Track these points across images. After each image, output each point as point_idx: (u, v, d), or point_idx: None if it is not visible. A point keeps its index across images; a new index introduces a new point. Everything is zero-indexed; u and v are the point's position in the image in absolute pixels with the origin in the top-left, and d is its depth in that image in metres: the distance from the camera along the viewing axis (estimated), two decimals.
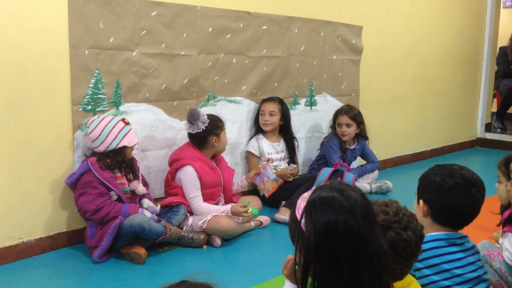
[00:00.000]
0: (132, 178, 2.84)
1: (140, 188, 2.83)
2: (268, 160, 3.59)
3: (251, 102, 3.67)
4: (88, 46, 2.76)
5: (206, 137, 3.05)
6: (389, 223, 1.38)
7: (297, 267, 1.22)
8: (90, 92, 2.80)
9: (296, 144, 3.84)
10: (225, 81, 3.47)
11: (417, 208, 1.82)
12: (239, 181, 3.33)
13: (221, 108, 3.44)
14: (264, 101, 3.69)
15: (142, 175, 2.91)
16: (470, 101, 6.14)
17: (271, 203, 3.50)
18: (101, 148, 2.67)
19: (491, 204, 2.27)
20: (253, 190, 3.69)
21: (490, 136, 6.25)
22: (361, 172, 4.05)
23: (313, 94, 4.11)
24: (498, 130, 6.40)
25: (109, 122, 2.68)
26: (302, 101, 4.04)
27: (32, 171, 2.66)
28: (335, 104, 4.23)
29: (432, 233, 1.76)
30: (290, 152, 3.79)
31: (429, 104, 5.43)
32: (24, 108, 2.59)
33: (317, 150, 4.08)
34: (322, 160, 3.96)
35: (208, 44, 3.31)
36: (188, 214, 2.97)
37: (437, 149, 5.63)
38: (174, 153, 3.12)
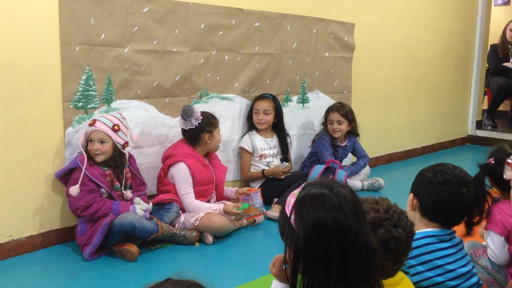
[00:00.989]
0: (122, 177, 2.82)
1: (128, 194, 2.82)
2: (260, 155, 3.60)
3: (244, 99, 3.66)
4: (79, 43, 2.74)
5: (198, 133, 3.05)
6: (379, 220, 1.39)
7: (285, 265, 1.22)
8: (81, 89, 2.79)
9: (289, 140, 3.85)
10: (218, 78, 3.46)
11: (409, 202, 1.86)
12: (229, 191, 3.29)
13: (213, 105, 3.44)
14: (257, 99, 3.68)
15: (140, 175, 2.91)
16: (461, 99, 6.18)
17: (263, 200, 3.49)
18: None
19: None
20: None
21: (481, 133, 6.29)
22: (355, 170, 4.05)
23: (305, 91, 4.11)
24: (489, 127, 6.44)
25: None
26: (294, 98, 4.04)
27: (23, 168, 2.64)
28: (327, 101, 4.24)
29: (422, 229, 1.78)
30: (283, 148, 3.79)
31: (420, 102, 5.45)
32: (14, 105, 2.57)
33: (309, 147, 4.09)
34: (314, 157, 3.97)
35: (200, 41, 3.30)
36: (180, 212, 2.97)
37: (428, 146, 5.66)
38: (167, 149, 3.11)
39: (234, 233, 3.04)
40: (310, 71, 4.10)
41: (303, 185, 1.23)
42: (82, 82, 2.78)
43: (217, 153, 3.30)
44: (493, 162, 2.10)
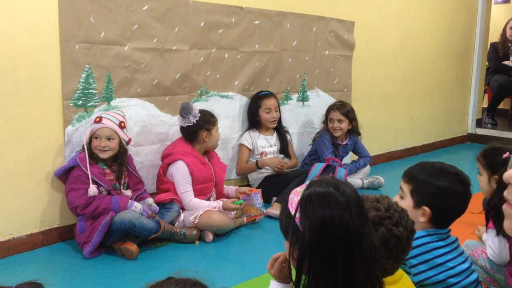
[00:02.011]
0: (122, 175, 2.81)
1: (127, 193, 2.82)
2: (261, 153, 3.60)
3: (243, 97, 3.66)
4: (79, 41, 2.74)
5: (196, 131, 3.04)
6: (380, 219, 1.39)
7: (292, 265, 1.22)
8: (81, 87, 2.78)
9: (288, 137, 3.85)
10: (217, 76, 3.46)
11: (401, 202, 1.80)
12: (229, 189, 3.29)
13: (213, 104, 3.43)
14: (264, 97, 3.64)
15: (137, 174, 2.91)
16: (461, 97, 6.18)
17: (263, 200, 3.49)
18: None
19: (476, 200, 2.28)
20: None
21: (481, 131, 6.29)
22: (355, 168, 4.06)
23: (305, 89, 4.11)
24: (489, 125, 6.44)
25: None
26: (294, 96, 4.04)
27: (23, 166, 2.64)
28: (327, 99, 4.24)
29: (420, 229, 1.78)
30: (283, 144, 3.80)
31: (420, 100, 5.45)
32: (14, 103, 2.57)
33: (309, 145, 4.09)
34: (314, 156, 3.96)
35: (200, 39, 3.30)
36: (180, 210, 2.97)
37: (428, 144, 5.66)
38: (166, 148, 3.11)
39: (234, 231, 3.04)
40: (310, 69, 4.10)
41: (307, 183, 1.22)
42: (82, 80, 2.78)
43: (216, 151, 3.29)
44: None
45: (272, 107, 3.64)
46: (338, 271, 1.12)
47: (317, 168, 3.62)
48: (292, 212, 1.19)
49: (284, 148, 3.80)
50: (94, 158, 2.68)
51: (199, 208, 2.92)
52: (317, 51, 4.11)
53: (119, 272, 2.48)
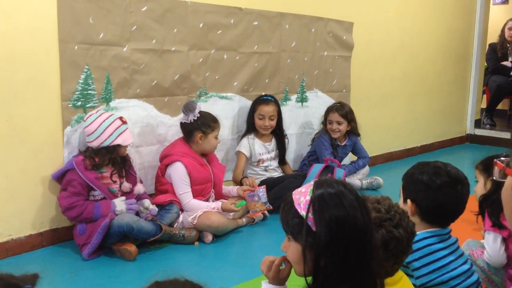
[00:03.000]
0: (123, 175, 2.81)
1: (140, 188, 2.82)
2: (258, 160, 3.60)
3: (243, 98, 3.66)
4: (78, 42, 2.74)
5: (192, 130, 3.03)
6: (380, 220, 1.38)
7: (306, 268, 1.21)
8: (80, 88, 2.78)
9: (286, 141, 3.82)
10: (216, 77, 3.46)
11: (403, 206, 1.81)
12: (231, 189, 3.28)
13: (212, 104, 3.43)
14: (261, 103, 3.58)
15: (136, 175, 2.90)
16: (460, 97, 6.18)
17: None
18: (95, 144, 2.66)
19: (475, 201, 2.29)
20: None
21: (479, 132, 6.29)
22: (354, 169, 4.05)
23: (304, 90, 4.11)
24: (488, 126, 6.44)
25: (106, 119, 2.67)
26: (293, 97, 4.04)
27: (21, 167, 2.64)
28: (326, 100, 4.24)
29: (422, 231, 1.77)
30: (280, 150, 3.77)
31: (419, 100, 5.45)
32: (12, 104, 2.56)
33: (308, 146, 4.09)
34: (313, 156, 3.96)
35: (199, 40, 3.30)
36: (180, 212, 2.97)
37: (427, 145, 5.66)
38: (165, 149, 3.11)
39: (233, 231, 3.04)
40: (309, 70, 4.10)
41: (311, 183, 1.22)
42: (81, 81, 2.78)
43: (215, 152, 3.28)
44: None
45: (266, 114, 3.56)
46: (350, 269, 1.14)
47: (316, 169, 3.62)
48: (302, 213, 1.18)
49: (281, 155, 3.76)
50: (93, 164, 2.66)
51: (198, 209, 2.92)
52: (316, 52, 4.11)
53: (118, 273, 2.47)
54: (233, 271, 2.53)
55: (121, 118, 2.73)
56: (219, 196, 3.21)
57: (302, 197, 1.21)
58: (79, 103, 2.79)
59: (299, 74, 4.03)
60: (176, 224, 2.92)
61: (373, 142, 4.66)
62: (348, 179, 3.90)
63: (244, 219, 3.15)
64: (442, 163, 1.83)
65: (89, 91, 2.82)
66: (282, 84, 3.92)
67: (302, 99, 4.11)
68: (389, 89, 5.00)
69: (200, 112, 3.04)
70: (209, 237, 2.88)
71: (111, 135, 2.65)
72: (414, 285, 1.66)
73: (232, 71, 3.55)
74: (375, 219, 1.38)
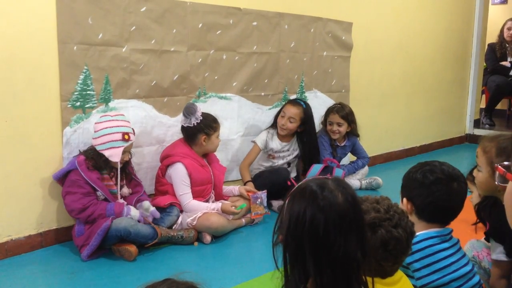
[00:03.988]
0: (123, 179, 2.80)
1: (125, 190, 2.81)
2: (269, 155, 3.59)
3: (242, 98, 3.66)
4: (77, 42, 2.73)
5: (196, 133, 3.03)
6: (380, 220, 1.38)
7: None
8: (79, 89, 2.78)
9: (314, 157, 3.70)
10: (216, 77, 3.46)
11: (403, 207, 1.82)
12: (232, 188, 3.28)
13: (212, 105, 3.43)
14: (289, 102, 3.63)
15: (136, 176, 2.91)
16: (459, 97, 6.19)
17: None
18: (93, 142, 2.70)
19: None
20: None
21: (478, 132, 6.29)
22: (353, 169, 4.06)
23: (303, 90, 4.11)
24: (487, 126, 6.45)
25: (111, 127, 2.66)
26: (292, 97, 4.03)
27: (21, 168, 2.63)
28: (325, 100, 4.24)
29: (422, 231, 1.77)
30: (304, 158, 3.71)
31: (418, 100, 5.46)
32: (11, 104, 2.56)
33: None
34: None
35: (198, 40, 3.30)
36: (180, 214, 2.96)
37: (427, 145, 5.67)
38: (165, 149, 3.10)
39: (232, 232, 3.04)
40: (308, 70, 4.10)
41: (306, 179, 1.25)
42: (80, 81, 2.78)
43: (216, 152, 3.29)
44: None
45: (287, 113, 3.56)
46: (309, 269, 1.13)
47: (315, 169, 3.62)
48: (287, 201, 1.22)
49: (305, 155, 3.70)
50: (95, 165, 2.66)
51: (198, 210, 2.92)
52: (315, 52, 4.11)
53: (118, 274, 2.47)
54: (232, 271, 2.53)
55: (125, 134, 2.68)
56: (219, 197, 3.21)
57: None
58: (78, 103, 2.79)
59: (298, 74, 4.03)
60: (175, 225, 2.92)
61: (372, 142, 4.67)
62: (347, 179, 3.90)
63: (243, 220, 3.15)
64: (439, 162, 1.84)
65: (88, 92, 2.82)
66: (281, 84, 3.92)
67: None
68: (388, 89, 5.01)
69: (202, 114, 3.04)
70: (208, 238, 2.88)
71: (103, 143, 2.65)
72: (414, 286, 1.66)
73: (231, 71, 3.55)
74: (374, 219, 1.38)
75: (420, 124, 5.53)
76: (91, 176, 2.62)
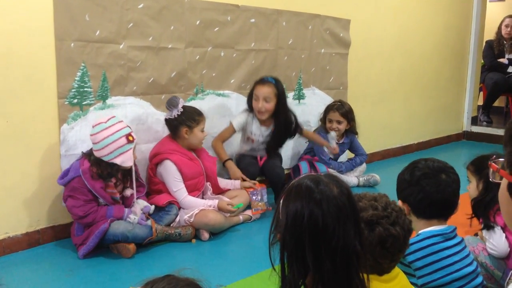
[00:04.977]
0: (127, 183, 2.79)
1: (128, 192, 2.80)
2: (247, 137, 3.53)
3: (240, 95, 3.65)
4: (74, 39, 2.73)
5: (177, 126, 3.00)
6: (377, 218, 1.38)
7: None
8: (76, 86, 2.78)
9: (292, 135, 3.60)
10: (213, 74, 3.45)
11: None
12: (232, 182, 3.28)
13: (209, 102, 3.43)
14: (258, 83, 3.40)
15: (140, 177, 2.89)
16: (456, 95, 6.19)
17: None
18: (97, 154, 2.60)
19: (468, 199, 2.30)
20: None
21: (476, 129, 6.31)
22: (351, 166, 4.06)
23: (301, 87, 4.11)
24: (484, 123, 6.46)
25: (112, 134, 2.57)
26: (290, 94, 4.03)
27: (18, 165, 2.63)
28: (324, 97, 4.24)
29: (423, 229, 1.77)
30: (273, 139, 3.50)
31: (416, 98, 5.46)
32: (8, 101, 2.55)
33: (306, 143, 4.09)
34: (311, 153, 3.97)
35: (195, 37, 3.29)
36: (178, 212, 2.96)
37: (424, 142, 5.68)
38: (153, 148, 3.07)
39: (230, 229, 3.05)
40: (306, 67, 4.10)
41: (302, 176, 1.24)
42: (77, 78, 2.77)
43: (205, 146, 3.26)
44: None
45: (260, 95, 3.34)
46: (308, 264, 1.14)
47: (305, 168, 3.68)
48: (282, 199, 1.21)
49: (270, 146, 3.52)
50: (100, 174, 2.61)
51: (195, 207, 2.92)
52: (313, 49, 4.11)
53: (116, 271, 2.47)
54: (230, 268, 2.54)
55: (128, 135, 2.64)
56: (216, 189, 3.20)
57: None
58: (76, 100, 2.78)
59: (296, 71, 4.03)
60: (173, 223, 2.92)
61: (370, 139, 4.67)
62: (345, 177, 3.90)
63: (241, 217, 3.15)
64: (425, 159, 1.86)
65: (86, 89, 2.81)
66: None
67: (299, 97, 4.11)
68: (386, 86, 5.01)
69: (184, 107, 3.01)
70: (205, 235, 2.88)
71: (111, 152, 2.58)
72: (415, 284, 1.66)
73: (229, 68, 3.54)
74: (372, 216, 1.39)
75: (418, 121, 5.53)
76: (95, 186, 2.58)
